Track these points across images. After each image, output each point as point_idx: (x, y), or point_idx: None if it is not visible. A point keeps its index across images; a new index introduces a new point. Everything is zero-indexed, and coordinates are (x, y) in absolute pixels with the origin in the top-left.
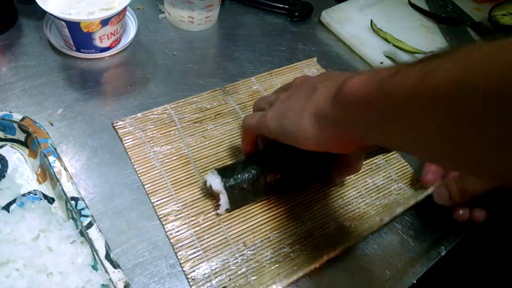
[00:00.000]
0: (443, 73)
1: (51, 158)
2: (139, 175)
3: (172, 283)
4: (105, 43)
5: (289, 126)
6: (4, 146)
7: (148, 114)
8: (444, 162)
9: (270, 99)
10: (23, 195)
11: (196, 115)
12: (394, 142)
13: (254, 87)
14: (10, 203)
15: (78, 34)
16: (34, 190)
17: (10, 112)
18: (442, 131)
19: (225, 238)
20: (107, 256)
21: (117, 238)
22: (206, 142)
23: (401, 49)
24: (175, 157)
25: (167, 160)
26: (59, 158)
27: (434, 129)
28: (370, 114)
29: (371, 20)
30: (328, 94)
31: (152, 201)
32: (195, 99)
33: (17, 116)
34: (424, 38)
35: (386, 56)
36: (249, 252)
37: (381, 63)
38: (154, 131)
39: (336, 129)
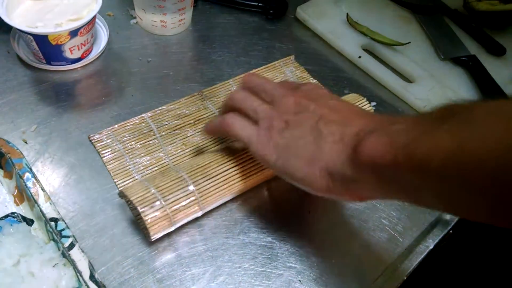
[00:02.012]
0: (482, 144)
1: (26, 179)
2: (119, 189)
3: None
4: (76, 54)
5: (297, 173)
6: None
7: (125, 124)
8: (476, 218)
9: (254, 107)
10: (1, 218)
11: (175, 122)
12: (421, 201)
13: (232, 90)
14: None
15: (47, 47)
16: (12, 213)
17: None
18: (483, 195)
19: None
20: (92, 277)
21: (101, 257)
22: (187, 150)
23: (378, 41)
24: (156, 167)
25: (148, 172)
26: (35, 178)
27: (474, 192)
28: (398, 179)
29: (347, 14)
30: (341, 149)
31: (134, 214)
32: (173, 106)
33: None
34: (400, 28)
35: (363, 49)
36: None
37: (359, 57)
38: (133, 142)
39: (355, 186)
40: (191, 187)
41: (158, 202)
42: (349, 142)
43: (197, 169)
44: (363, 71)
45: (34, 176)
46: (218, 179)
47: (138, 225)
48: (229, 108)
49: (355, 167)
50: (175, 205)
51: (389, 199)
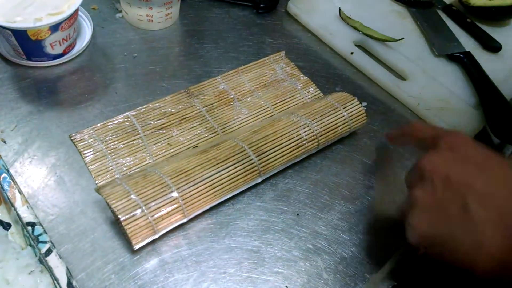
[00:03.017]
0: None
1: (3, 180)
2: (103, 196)
3: None
4: (58, 50)
5: (460, 256)
6: None
7: (109, 123)
8: None
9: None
10: None
11: (160, 121)
12: None
13: (220, 87)
14: None
15: (27, 42)
16: None
17: None
18: None
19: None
20: (69, 285)
21: (81, 262)
22: (172, 150)
23: (371, 37)
24: (139, 168)
25: (131, 173)
26: (13, 180)
27: None
28: None
29: (339, 8)
30: (503, 241)
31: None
32: (158, 104)
33: None
34: (394, 24)
35: (356, 45)
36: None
37: (352, 53)
38: (116, 142)
39: None
40: (175, 194)
41: (139, 210)
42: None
43: (180, 174)
44: (355, 67)
45: (11, 177)
46: (202, 185)
47: (120, 228)
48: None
49: None
50: (157, 213)
51: None
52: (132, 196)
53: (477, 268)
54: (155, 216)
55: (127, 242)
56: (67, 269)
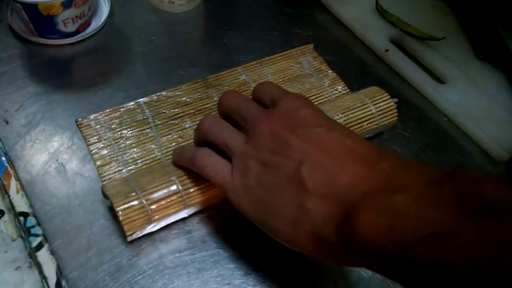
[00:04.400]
0: None
1: (0, 164)
2: (101, 184)
3: None
4: (71, 28)
5: (280, 234)
6: None
7: (118, 109)
8: None
9: (224, 141)
10: None
11: (173, 111)
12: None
13: (241, 78)
14: None
15: (38, 18)
16: None
17: None
18: None
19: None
20: (58, 285)
21: (75, 259)
22: (184, 144)
23: (409, 34)
24: (147, 161)
25: (138, 165)
26: (10, 165)
27: None
28: (393, 266)
29: (376, 0)
30: (329, 212)
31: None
32: (173, 92)
33: None
34: (435, 21)
35: (392, 42)
36: None
37: (387, 50)
38: (124, 131)
39: (343, 256)
40: (173, 177)
41: (133, 193)
42: (338, 203)
43: None
44: (389, 66)
45: (8, 161)
46: None
47: (120, 225)
48: (201, 139)
49: (348, 242)
50: (153, 195)
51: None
52: (131, 184)
53: (300, 247)
54: (150, 199)
55: (125, 239)
56: (58, 267)
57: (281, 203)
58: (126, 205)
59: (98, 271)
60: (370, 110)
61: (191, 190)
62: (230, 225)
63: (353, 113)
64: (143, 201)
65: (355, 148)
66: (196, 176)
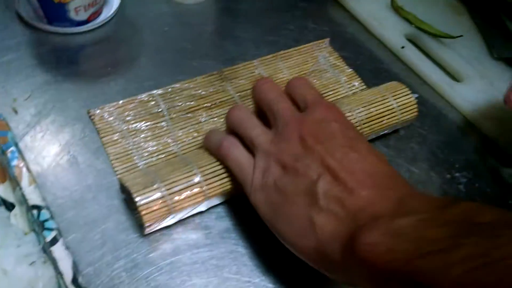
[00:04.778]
0: None
1: (10, 156)
2: (118, 176)
3: None
4: (82, 16)
5: (288, 240)
6: None
7: (132, 101)
8: None
9: (251, 135)
10: None
11: (188, 103)
12: None
13: (256, 72)
14: None
15: (48, 4)
16: None
17: None
18: None
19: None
20: (74, 281)
21: (89, 255)
22: (199, 138)
23: (425, 31)
24: (163, 155)
25: (154, 159)
26: (21, 156)
27: None
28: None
29: None
30: (336, 231)
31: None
32: (188, 84)
33: None
34: (450, 19)
35: (407, 39)
36: None
37: (402, 47)
38: (138, 123)
39: (345, 273)
40: (195, 169)
41: (153, 184)
42: (346, 224)
43: (203, 153)
44: (405, 64)
45: (20, 153)
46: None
47: (136, 219)
48: (228, 128)
49: (347, 259)
50: (173, 185)
51: None
52: (151, 175)
53: (306, 257)
54: (172, 190)
55: (142, 231)
56: (74, 262)
57: (293, 212)
58: (145, 195)
59: (114, 267)
60: (392, 105)
61: (212, 181)
62: (248, 222)
63: (374, 107)
64: (163, 191)
65: (373, 173)
66: (216, 168)
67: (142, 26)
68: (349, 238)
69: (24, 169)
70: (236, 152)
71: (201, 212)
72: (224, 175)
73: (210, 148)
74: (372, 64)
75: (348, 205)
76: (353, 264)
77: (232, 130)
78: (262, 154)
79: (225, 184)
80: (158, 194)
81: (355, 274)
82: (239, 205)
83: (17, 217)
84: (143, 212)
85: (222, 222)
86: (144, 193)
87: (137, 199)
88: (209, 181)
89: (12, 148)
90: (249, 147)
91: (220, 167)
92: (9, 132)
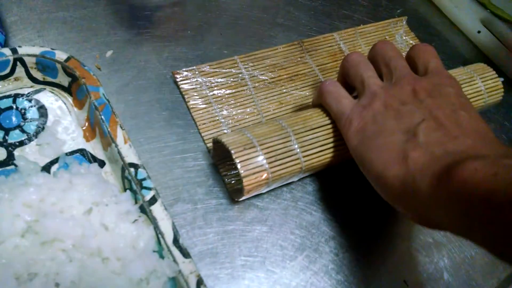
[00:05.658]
0: None
1: (104, 112)
2: (206, 142)
3: (249, 278)
4: None
5: (373, 170)
6: (42, 91)
7: (215, 67)
8: None
9: (363, 77)
10: (67, 154)
11: (270, 74)
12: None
13: (336, 46)
14: (51, 163)
15: None
16: (80, 150)
17: (52, 49)
18: None
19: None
20: (175, 241)
21: (180, 219)
22: (283, 108)
23: (499, 17)
24: (249, 124)
25: (241, 127)
26: (114, 113)
27: None
28: (485, 220)
29: None
30: (429, 163)
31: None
32: (269, 53)
33: (60, 55)
34: None
35: (483, 24)
36: None
37: (478, 32)
38: (222, 90)
39: (425, 205)
40: (292, 137)
41: (252, 145)
42: (442, 159)
43: (297, 119)
44: (480, 49)
45: (112, 110)
46: (320, 131)
47: (227, 185)
48: (342, 74)
49: (436, 188)
50: (271, 150)
51: (458, 235)
52: (248, 134)
53: (385, 188)
54: (270, 155)
55: (232, 196)
56: (173, 223)
57: (386, 144)
58: (245, 157)
59: (207, 231)
60: (479, 87)
61: (309, 153)
62: (335, 193)
63: (462, 87)
64: (263, 160)
65: (479, 129)
66: (312, 136)
67: None
68: (445, 170)
69: (119, 127)
70: (338, 89)
71: (291, 182)
72: (321, 142)
73: (316, 96)
74: (446, 48)
75: (447, 147)
76: (442, 195)
77: (344, 76)
78: (368, 94)
79: (320, 154)
80: (259, 163)
81: (437, 208)
82: (328, 179)
83: (108, 175)
84: (245, 183)
85: (308, 195)
86: (246, 165)
87: (236, 160)
88: (306, 153)
89: (106, 104)
90: (357, 89)
91: (315, 135)
92: (101, 88)
